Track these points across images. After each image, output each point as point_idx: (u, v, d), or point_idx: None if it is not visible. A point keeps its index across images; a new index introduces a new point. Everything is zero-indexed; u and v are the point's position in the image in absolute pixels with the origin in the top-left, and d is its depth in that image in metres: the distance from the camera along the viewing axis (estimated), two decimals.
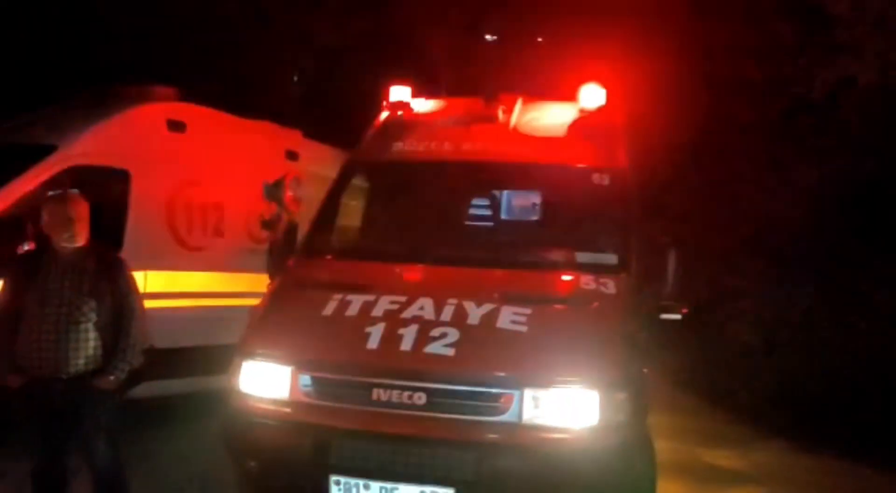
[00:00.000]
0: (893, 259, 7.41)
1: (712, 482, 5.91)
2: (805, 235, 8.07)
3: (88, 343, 3.60)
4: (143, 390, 5.57)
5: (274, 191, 5.20)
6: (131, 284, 3.85)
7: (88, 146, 5.77)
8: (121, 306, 3.72)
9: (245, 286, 6.40)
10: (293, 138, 7.69)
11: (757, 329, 8.45)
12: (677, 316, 4.23)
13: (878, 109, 7.14)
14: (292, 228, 4.71)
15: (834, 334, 7.82)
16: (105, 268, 3.76)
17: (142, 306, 3.87)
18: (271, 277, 4.46)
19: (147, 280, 5.68)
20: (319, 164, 7.22)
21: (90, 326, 3.61)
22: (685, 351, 9.29)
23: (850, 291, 7.68)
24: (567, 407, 3.44)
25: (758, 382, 8.29)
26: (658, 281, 4.23)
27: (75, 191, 3.87)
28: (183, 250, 6.36)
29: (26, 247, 4.83)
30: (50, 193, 3.99)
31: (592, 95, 4.93)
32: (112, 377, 3.67)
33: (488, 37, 16.72)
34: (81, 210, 3.69)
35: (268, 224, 5.36)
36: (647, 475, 3.81)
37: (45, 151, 5.54)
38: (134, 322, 3.75)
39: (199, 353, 6.13)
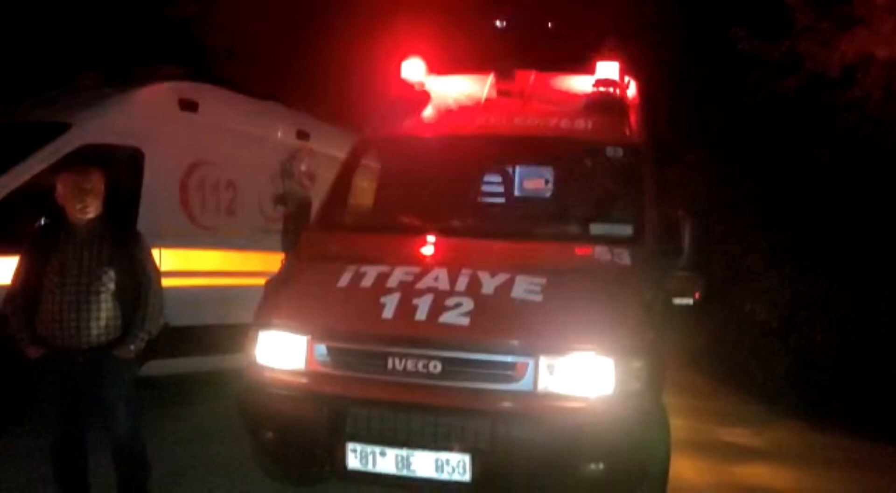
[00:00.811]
0: None
1: (727, 459, 5.88)
2: (823, 212, 7.99)
3: (108, 313, 3.61)
4: (157, 368, 5.61)
5: (288, 165, 5.19)
6: (148, 253, 3.86)
7: (102, 125, 5.78)
8: (138, 275, 3.72)
9: (258, 266, 6.40)
10: (303, 118, 7.69)
11: (773, 309, 8.38)
12: (689, 301, 4.18)
13: None
14: (306, 203, 4.70)
15: (852, 312, 7.74)
16: (122, 238, 3.76)
17: (159, 276, 3.88)
18: (286, 250, 4.46)
19: (160, 259, 5.70)
20: (330, 144, 7.23)
21: (109, 296, 3.61)
22: (701, 331, 9.24)
23: (869, 269, 7.60)
24: (582, 375, 3.42)
25: (774, 361, 8.24)
26: (674, 253, 4.19)
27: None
28: (196, 229, 6.38)
29: (42, 222, 4.84)
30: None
31: (606, 70, 4.89)
32: (132, 347, 3.68)
33: (498, 23, 16.61)
34: (95, 181, 3.69)
35: (281, 199, 5.36)
36: (661, 444, 3.79)
37: (58, 129, 5.56)
38: (152, 291, 3.75)
39: (212, 332, 6.15)
